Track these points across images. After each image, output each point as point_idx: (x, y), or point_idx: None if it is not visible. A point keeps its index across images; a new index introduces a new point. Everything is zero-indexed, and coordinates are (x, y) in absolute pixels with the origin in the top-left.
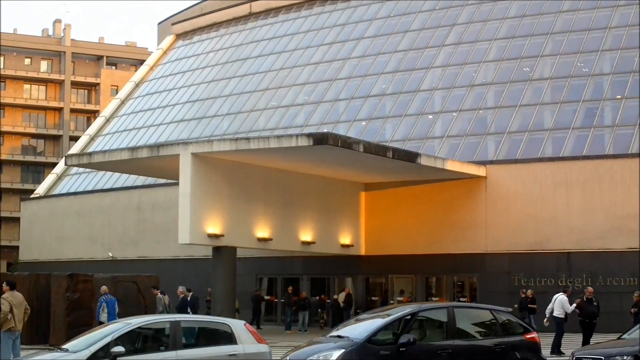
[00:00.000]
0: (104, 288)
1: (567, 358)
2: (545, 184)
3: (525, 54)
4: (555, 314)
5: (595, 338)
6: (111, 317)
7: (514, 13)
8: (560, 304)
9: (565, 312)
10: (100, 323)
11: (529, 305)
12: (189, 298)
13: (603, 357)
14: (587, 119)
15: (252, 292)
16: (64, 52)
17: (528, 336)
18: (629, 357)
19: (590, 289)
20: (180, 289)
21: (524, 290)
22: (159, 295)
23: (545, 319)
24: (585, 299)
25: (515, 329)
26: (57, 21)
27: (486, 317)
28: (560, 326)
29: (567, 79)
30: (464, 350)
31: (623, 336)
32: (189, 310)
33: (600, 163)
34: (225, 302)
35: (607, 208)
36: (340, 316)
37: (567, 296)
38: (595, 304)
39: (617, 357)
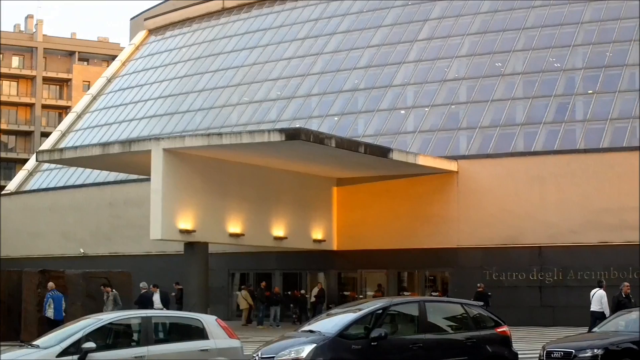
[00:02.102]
0: (50, 284)
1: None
2: (518, 178)
3: (497, 49)
4: (593, 308)
5: (566, 331)
6: (57, 313)
7: (486, 8)
8: (599, 299)
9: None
10: (47, 318)
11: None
12: (156, 293)
13: (574, 351)
14: (558, 114)
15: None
16: (36, 47)
17: (499, 330)
18: (599, 350)
19: (627, 284)
20: (142, 284)
21: (479, 285)
22: (114, 291)
23: None
24: (624, 296)
25: (486, 323)
26: (29, 17)
27: (457, 311)
28: (596, 320)
29: (539, 74)
30: (435, 344)
31: (594, 330)
32: (159, 304)
33: (573, 158)
34: (198, 297)
35: (580, 202)
36: (312, 311)
37: (604, 290)
38: (633, 300)
39: (587, 350)
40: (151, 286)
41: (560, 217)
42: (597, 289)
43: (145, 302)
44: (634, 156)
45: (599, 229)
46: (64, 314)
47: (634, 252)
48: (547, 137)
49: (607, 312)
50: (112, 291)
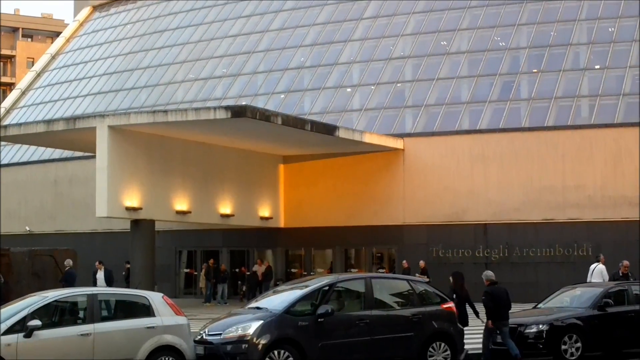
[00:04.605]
0: None
1: None
2: (463, 156)
3: (442, 28)
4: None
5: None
6: None
7: None
8: (599, 274)
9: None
10: None
11: (419, 275)
12: (100, 271)
13: (519, 326)
14: (503, 93)
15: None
16: None
17: (445, 306)
18: (544, 326)
19: (626, 262)
20: (66, 262)
21: (404, 262)
22: None
23: None
24: (620, 274)
25: (432, 299)
26: None
27: (403, 288)
28: None
29: (484, 52)
30: (381, 320)
31: (538, 305)
32: (102, 283)
33: (517, 136)
34: (144, 275)
35: (523, 180)
36: (259, 288)
37: (602, 264)
38: (632, 279)
39: (533, 326)
40: (96, 263)
41: (503, 195)
42: (597, 263)
43: (70, 279)
44: (577, 134)
45: (541, 207)
46: None
47: (577, 230)
48: (492, 116)
49: None
50: None
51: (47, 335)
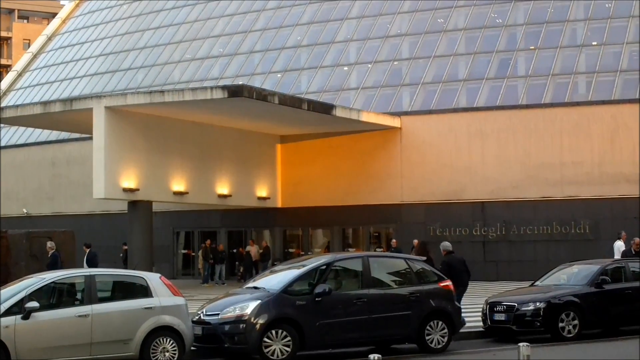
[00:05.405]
0: None
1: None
2: (460, 134)
3: (439, 5)
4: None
5: (509, 286)
6: None
7: None
8: (618, 251)
9: None
10: None
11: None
12: (85, 254)
13: (516, 304)
14: (500, 70)
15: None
16: None
17: (442, 284)
18: (542, 304)
19: (637, 239)
20: (49, 244)
21: (393, 240)
22: None
23: None
24: (633, 251)
25: (429, 278)
26: None
27: (401, 266)
28: None
29: (481, 29)
30: (379, 298)
31: (536, 283)
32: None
33: (514, 113)
34: (142, 256)
35: (520, 158)
36: (255, 268)
37: (623, 242)
38: None
39: (530, 304)
40: (83, 246)
41: (501, 173)
42: (617, 240)
43: (55, 262)
44: (575, 111)
45: (539, 184)
46: None
47: (575, 207)
48: (489, 93)
49: None
50: None
51: (45, 316)
